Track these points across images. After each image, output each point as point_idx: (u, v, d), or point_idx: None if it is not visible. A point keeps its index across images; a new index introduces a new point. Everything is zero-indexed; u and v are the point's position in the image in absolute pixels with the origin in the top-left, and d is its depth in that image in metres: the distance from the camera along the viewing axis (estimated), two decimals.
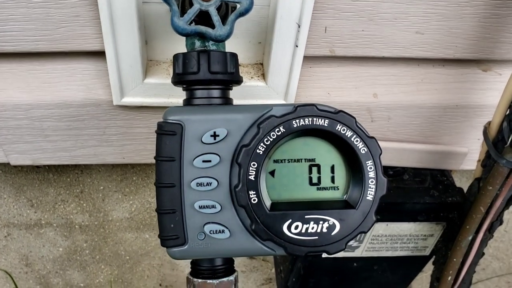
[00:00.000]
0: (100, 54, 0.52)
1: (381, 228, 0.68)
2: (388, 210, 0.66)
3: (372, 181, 0.39)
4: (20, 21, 0.48)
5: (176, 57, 0.42)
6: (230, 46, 0.47)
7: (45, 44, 0.50)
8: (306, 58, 0.54)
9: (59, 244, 0.93)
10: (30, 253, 0.95)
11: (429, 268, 0.77)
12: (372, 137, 0.39)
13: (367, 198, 0.39)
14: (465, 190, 0.66)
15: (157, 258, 0.99)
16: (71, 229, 0.91)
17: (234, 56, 0.42)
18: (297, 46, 0.51)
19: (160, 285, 1.07)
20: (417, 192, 0.66)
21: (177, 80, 0.42)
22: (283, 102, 0.56)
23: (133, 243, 0.95)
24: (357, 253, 0.72)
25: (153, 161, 0.63)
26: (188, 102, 0.42)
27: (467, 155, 0.67)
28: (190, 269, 0.44)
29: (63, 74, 0.54)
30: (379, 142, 0.40)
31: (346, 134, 0.38)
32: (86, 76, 0.55)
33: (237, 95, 0.49)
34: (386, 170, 0.68)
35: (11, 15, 0.48)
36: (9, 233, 0.90)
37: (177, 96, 0.55)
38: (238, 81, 0.43)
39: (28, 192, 0.83)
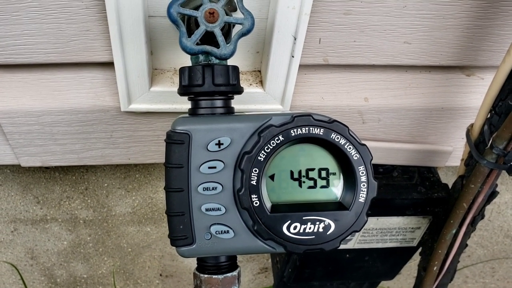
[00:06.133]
0: (108, 64, 0.55)
1: (372, 222, 0.71)
2: (378, 206, 0.69)
3: (364, 185, 0.42)
4: (34, 35, 0.51)
5: (182, 70, 0.44)
6: None
7: (57, 56, 0.53)
8: (301, 66, 0.57)
9: (63, 238, 0.96)
10: (36, 246, 0.97)
11: (416, 257, 0.81)
12: (364, 144, 0.41)
13: (359, 200, 0.42)
14: (449, 183, 0.69)
15: (158, 250, 1.02)
16: (76, 223, 0.93)
17: (235, 69, 0.45)
18: (293, 56, 0.54)
19: (161, 275, 1.09)
20: (406, 188, 0.69)
21: (183, 91, 0.45)
22: (280, 107, 0.59)
23: (135, 236, 0.98)
24: (349, 245, 0.75)
25: (157, 160, 0.67)
26: (193, 111, 0.45)
27: (452, 153, 0.70)
28: (197, 265, 0.47)
29: (72, 82, 0.57)
30: (370, 142, 0.42)
31: (340, 142, 0.41)
32: (95, 84, 0.57)
33: (237, 100, 0.51)
34: (377, 167, 0.71)
35: (25, 30, 0.50)
36: (15, 228, 0.93)
37: (181, 103, 0.57)
38: (239, 91, 0.46)
39: (34, 189, 0.86)
